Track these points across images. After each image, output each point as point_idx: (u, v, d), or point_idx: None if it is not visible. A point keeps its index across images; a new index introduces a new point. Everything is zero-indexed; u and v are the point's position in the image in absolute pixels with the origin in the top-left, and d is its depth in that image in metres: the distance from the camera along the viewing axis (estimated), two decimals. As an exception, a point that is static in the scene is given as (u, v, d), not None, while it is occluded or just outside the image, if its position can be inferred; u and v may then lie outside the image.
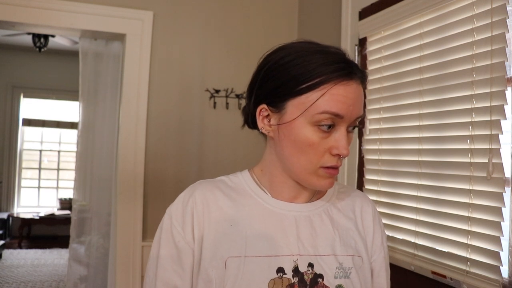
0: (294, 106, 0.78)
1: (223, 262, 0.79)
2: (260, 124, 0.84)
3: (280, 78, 0.79)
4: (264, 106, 0.82)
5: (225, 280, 0.77)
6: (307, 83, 0.76)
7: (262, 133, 0.88)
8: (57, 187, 7.10)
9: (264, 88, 0.82)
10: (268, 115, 0.83)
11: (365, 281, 0.84)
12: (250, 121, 0.91)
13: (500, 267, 1.17)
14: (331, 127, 0.77)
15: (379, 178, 1.67)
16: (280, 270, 0.79)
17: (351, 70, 0.79)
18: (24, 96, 6.79)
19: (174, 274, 0.82)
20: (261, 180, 0.89)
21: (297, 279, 0.79)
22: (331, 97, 0.75)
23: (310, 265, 0.80)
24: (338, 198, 0.91)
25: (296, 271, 0.79)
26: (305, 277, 0.79)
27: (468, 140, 1.28)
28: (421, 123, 1.46)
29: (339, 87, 0.76)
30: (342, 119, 0.77)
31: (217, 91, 2.33)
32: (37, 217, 6.11)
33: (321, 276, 0.80)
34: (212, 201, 0.84)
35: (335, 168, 0.80)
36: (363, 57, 1.81)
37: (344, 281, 0.81)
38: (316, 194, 0.89)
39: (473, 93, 1.27)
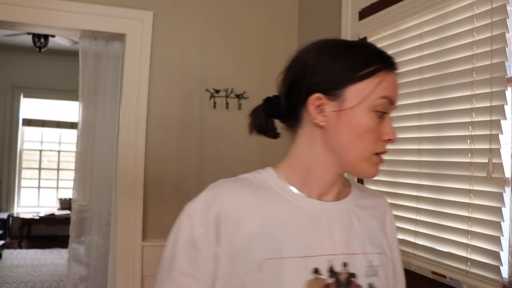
0: (354, 93, 0.78)
1: (258, 265, 0.76)
2: (313, 114, 0.80)
3: (337, 66, 0.79)
4: (318, 95, 0.80)
5: (261, 284, 0.75)
6: (366, 69, 0.78)
7: (291, 127, 0.87)
8: (57, 187, 7.10)
9: (318, 77, 0.80)
10: (321, 104, 0.80)
11: (389, 278, 0.85)
12: (286, 116, 0.88)
13: (500, 267, 1.17)
14: (384, 113, 0.79)
15: (379, 178, 1.67)
16: (316, 270, 0.77)
17: (394, 61, 0.83)
18: (24, 96, 6.79)
19: (191, 278, 0.78)
20: (290, 177, 0.85)
21: (333, 279, 0.78)
22: (387, 84, 0.79)
23: (344, 264, 0.80)
24: (361, 197, 0.91)
25: (331, 271, 0.78)
26: (340, 277, 0.79)
27: (468, 140, 1.28)
28: (421, 123, 1.46)
29: (391, 75, 0.80)
30: (392, 105, 0.81)
31: (217, 91, 2.33)
32: (37, 217, 6.11)
33: (354, 275, 0.80)
34: (240, 201, 0.80)
35: (383, 154, 0.82)
36: (363, 57, 1.81)
37: (374, 279, 0.81)
38: (341, 193, 0.88)
39: (473, 93, 1.27)
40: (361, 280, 0.80)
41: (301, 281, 0.75)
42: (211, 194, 0.82)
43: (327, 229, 0.81)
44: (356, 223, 0.85)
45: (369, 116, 0.78)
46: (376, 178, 1.68)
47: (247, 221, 0.78)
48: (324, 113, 0.80)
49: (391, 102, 0.80)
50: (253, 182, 0.84)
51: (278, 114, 0.89)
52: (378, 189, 1.66)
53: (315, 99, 0.80)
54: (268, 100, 0.90)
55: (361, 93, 0.78)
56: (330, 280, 0.77)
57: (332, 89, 0.79)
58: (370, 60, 0.79)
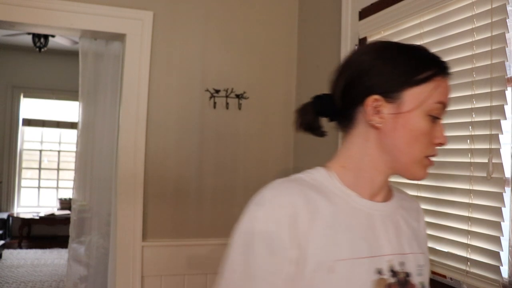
0: (411, 96, 0.80)
1: (329, 266, 0.76)
2: (370, 115, 0.81)
3: (396, 69, 0.81)
4: (376, 96, 0.81)
5: (331, 285, 0.75)
6: (424, 74, 0.80)
7: (343, 127, 0.88)
8: (57, 187, 7.10)
9: (376, 79, 0.81)
10: (378, 106, 0.81)
11: (428, 278, 0.89)
12: (338, 115, 0.89)
13: (500, 267, 1.17)
14: (437, 118, 0.81)
15: (379, 178, 1.66)
16: (379, 271, 0.79)
17: (449, 67, 0.84)
18: (24, 96, 6.79)
19: (270, 278, 0.76)
20: (343, 177, 0.85)
21: (395, 279, 0.80)
22: (443, 89, 0.81)
23: (401, 264, 0.82)
24: (401, 199, 0.93)
25: (392, 271, 0.80)
26: (399, 276, 0.81)
27: (468, 140, 1.28)
28: (421, 123, 1.46)
29: (445, 80, 0.83)
30: (444, 110, 0.83)
31: (217, 91, 2.33)
32: (37, 217, 6.11)
33: (408, 274, 0.82)
34: (310, 201, 0.79)
35: (433, 157, 0.84)
36: (363, 57, 1.81)
37: (423, 279, 0.85)
38: (387, 194, 0.89)
39: (473, 93, 1.27)
40: (414, 279, 0.83)
41: (368, 282, 0.77)
42: (280, 194, 0.79)
43: (383, 230, 0.83)
44: (403, 224, 0.88)
45: (424, 120, 0.80)
46: (376, 178, 1.68)
47: (317, 221, 0.77)
48: (381, 114, 0.81)
49: (444, 107, 0.82)
50: (310, 183, 0.83)
51: (328, 113, 0.90)
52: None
53: (373, 100, 0.81)
54: (318, 98, 0.90)
55: (418, 97, 0.80)
56: (392, 280, 0.79)
57: (390, 92, 0.80)
58: (428, 65, 0.81)
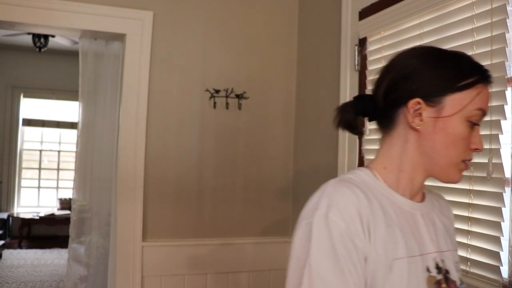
0: (452, 101, 0.82)
1: (389, 265, 0.77)
2: (411, 117, 0.84)
3: (439, 74, 0.83)
4: (418, 100, 0.83)
5: (390, 283, 0.77)
6: (466, 80, 0.82)
7: (383, 127, 0.90)
8: (57, 187, 7.10)
9: (419, 83, 0.83)
10: (419, 108, 0.83)
11: None
12: (378, 115, 0.91)
13: (500, 267, 1.17)
14: (475, 124, 0.83)
15: (379, 178, 1.66)
16: (427, 268, 0.82)
17: (491, 74, 0.86)
18: (24, 96, 6.79)
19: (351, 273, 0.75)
20: (385, 178, 0.87)
21: (441, 276, 0.83)
22: (483, 96, 0.83)
23: (443, 261, 0.85)
24: (434, 198, 0.97)
25: (438, 268, 0.83)
26: (443, 273, 0.84)
27: (468, 140, 1.28)
28: (421, 123, 1.46)
29: (487, 87, 0.84)
30: (483, 117, 0.85)
31: (217, 91, 2.33)
32: (37, 217, 6.11)
33: (448, 271, 0.85)
34: (369, 201, 0.80)
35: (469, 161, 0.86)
36: (363, 57, 1.81)
37: (459, 275, 0.88)
38: (423, 194, 0.93)
39: (473, 93, 1.27)
40: (454, 275, 0.86)
41: (422, 279, 0.80)
42: (346, 193, 0.80)
43: (425, 229, 0.86)
44: (438, 222, 0.91)
45: (463, 125, 0.82)
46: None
47: (377, 221, 0.79)
48: (421, 117, 0.83)
49: (484, 114, 0.84)
50: (360, 184, 0.84)
51: (368, 113, 0.92)
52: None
53: (415, 103, 0.83)
54: (359, 98, 0.93)
55: (459, 103, 0.82)
56: (439, 277, 0.82)
57: (432, 96, 0.82)
58: (471, 72, 0.83)
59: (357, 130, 0.94)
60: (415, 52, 0.88)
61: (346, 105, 0.93)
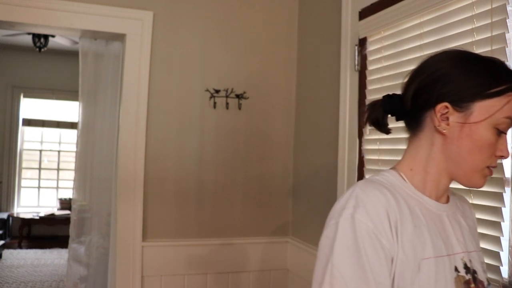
0: (481, 108, 0.82)
1: (417, 265, 0.78)
2: (437, 121, 0.84)
3: (469, 79, 0.82)
4: (446, 104, 0.83)
5: (419, 283, 0.77)
6: (497, 88, 0.81)
7: (410, 128, 0.91)
8: (57, 187, 7.10)
9: (449, 87, 0.83)
10: (446, 113, 0.84)
11: None
12: (406, 116, 0.91)
13: (500, 267, 1.17)
14: (502, 132, 0.84)
15: (379, 178, 1.66)
16: (456, 268, 0.82)
17: None
18: (24, 96, 6.79)
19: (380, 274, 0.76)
20: (412, 180, 0.88)
21: (469, 276, 0.83)
22: None
23: (470, 261, 0.86)
24: (457, 199, 0.97)
25: (467, 268, 0.84)
26: (471, 273, 0.84)
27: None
28: (421, 123, 1.46)
29: None
30: (511, 125, 0.84)
31: (217, 91, 2.33)
32: (37, 217, 6.11)
33: (476, 271, 0.85)
34: (396, 202, 0.81)
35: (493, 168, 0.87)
36: (363, 57, 1.81)
37: (486, 275, 0.89)
38: (447, 196, 0.93)
39: (473, 93, 1.27)
40: (481, 276, 0.87)
41: (451, 279, 0.80)
42: (374, 193, 0.80)
43: (451, 230, 0.87)
44: (463, 223, 0.91)
45: (490, 132, 0.82)
46: (376, 178, 1.68)
47: (404, 221, 0.80)
48: (448, 121, 0.84)
49: None
50: (388, 185, 0.85)
51: (397, 113, 0.93)
52: (378, 189, 1.66)
53: (443, 107, 0.83)
54: (388, 97, 0.93)
55: (488, 110, 0.81)
56: (468, 277, 0.83)
57: (461, 102, 0.82)
58: (502, 79, 0.82)
59: (385, 129, 0.95)
60: (447, 56, 0.88)
61: (375, 103, 0.94)
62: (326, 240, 0.79)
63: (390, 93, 0.94)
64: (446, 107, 0.83)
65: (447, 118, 0.83)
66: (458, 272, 0.82)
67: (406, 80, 0.92)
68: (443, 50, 0.90)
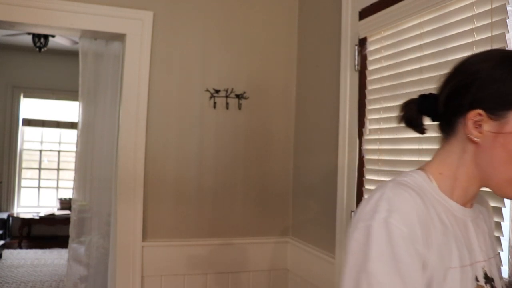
0: None
1: (443, 274, 0.76)
2: (469, 128, 0.80)
3: (509, 86, 0.77)
4: (480, 111, 0.78)
5: None
6: None
7: (443, 131, 0.87)
8: (57, 187, 7.10)
9: (485, 93, 0.78)
10: (479, 120, 0.79)
11: None
12: (439, 118, 0.87)
13: (501, 267, 1.17)
14: None
15: (379, 178, 1.67)
16: (476, 278, 0.80)
17: None
18: (24, 96, 6.79)
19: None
20: (440, 184, 0.84)
21: (488, 285, 0.81)
22: None
23: (490, 270, 0.83)
24: (477, 202, 0.94)
25: (487, 277, 0.81)
26: (490, 282, 0.82)
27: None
28: (421, 123, 1.46)
29: None
30: None
31: (217, 91, 2.33)
32: (37, 217, 6.11)
33: (493, 279, 0.83)
34: (425, 207, 0.78)
35: None
36: (363, 57, 1.81)
37: (502, 282, 0.87)
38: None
39: (473, 93, 1.27)
40: (497, 283, 0.85)
41: None
42: (406, 198, 0.77)
43: (474, 236, 0.84)
44: (484, 227, 0.89)
45: None
46: (376, 178, 1.68)
47: (434, 228, 0.77)
48: (481, 129, 0.79)
49: None
50: (416, 188, 0.81)
51: (431, 114, 0.89)
52: (378, 189, 1.66)
53: (476, 114, 0.79)
54: (424, 97, 0.89)
55: None
56: (487, 287, 0.80)
57: (497, 110, 0.77)
58: None
59: (419, 129, 0.90)
60: (489, 56, 0.83)
61: (410, 102, 0.90)
62: (356, 244, 0.75)
63: (427, 92, 0.90)
64: (480, 114, 0.78)
65: (480, 126, 0.78)
66: (478, 281, 0.80)
67: (443, 79, 0.86)
68: (488, 49, 0.86)
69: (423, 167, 0.89)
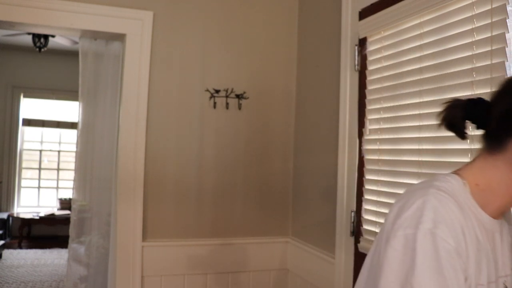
0: None
1: None
2: None
3: None
4: None
5: None
6: None
7: (488, 144, 0.82)
8: (57, 187, 7.10)
9: None
10: None
11: None
12: (487, 130, 0.83)
13: None
14: None
15: (379, 178, 1.67)
16: None
17: None
18: (24, 96, 6.79)
19: None
20: (474, 195, 0.81)
21: None
22: None
23: (511, 284, 0.82)
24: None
25: None
26: None
27: (468, 140, 1.28)
28: (421, 123, 1.46)
29: None
30: None
31: (217, 91, 2.33)
32: (37, 217, 6.11)
33: None
34: (464, 219, 0.75)
35: None
36: (363, 57, 1.81)
37: None
38: None
39: (473, 93, 1.27)
40: None
41: None
42: (450, 209, 0.74)
43: (500, 249, 0.82)
44: (509, 239, 0.87)
45: None
46: (376, 178, 1.68)
47: (472, 243, 0.74)
48: None
49: None
50: (455, 197, 0.77)
51: (478, 122, 0.84)
52: (378, 189, 1.66)
53: None
54: (473, 102, 0.84)
55: None
56: None
57: None
58: None
59: (461, 134, 0.84)
60: None
61: (456, 104, 0.84)
62: (395, 253, 0.71)
63: (475, 97, 0.84)
64: None
65: None
66: None
67: (498, 90, 0.81)
68: None
69: (458, 171, 0.85)
